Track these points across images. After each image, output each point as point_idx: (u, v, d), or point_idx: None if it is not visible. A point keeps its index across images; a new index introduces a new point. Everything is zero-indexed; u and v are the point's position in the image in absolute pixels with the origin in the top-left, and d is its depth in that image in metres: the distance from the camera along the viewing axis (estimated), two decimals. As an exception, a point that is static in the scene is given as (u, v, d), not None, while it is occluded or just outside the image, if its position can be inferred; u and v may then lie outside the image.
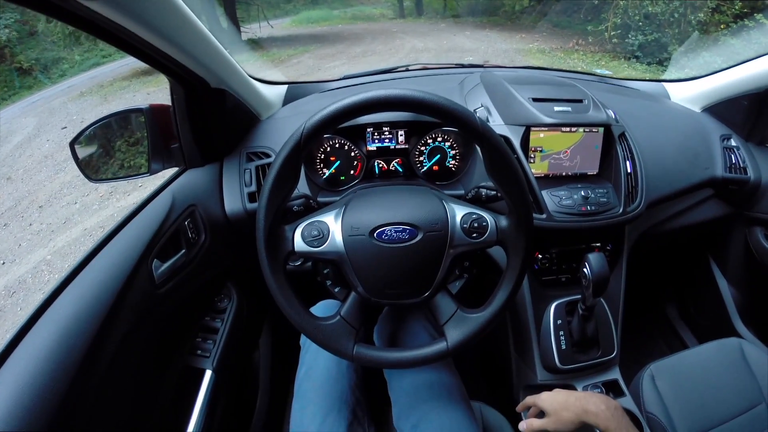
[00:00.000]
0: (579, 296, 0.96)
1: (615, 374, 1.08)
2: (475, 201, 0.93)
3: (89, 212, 4.11)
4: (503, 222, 0.74)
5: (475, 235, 0.72)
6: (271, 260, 0.68)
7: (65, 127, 6.52)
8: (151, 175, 0.94)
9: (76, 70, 10.06)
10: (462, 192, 1.04)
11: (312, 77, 6.56)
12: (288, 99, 1.24)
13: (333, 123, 0.64)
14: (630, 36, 6.94)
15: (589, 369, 1.05)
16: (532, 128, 1.01)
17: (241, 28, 9.80)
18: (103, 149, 0.95)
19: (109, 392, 0.71)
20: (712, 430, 0.98)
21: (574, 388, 1.03)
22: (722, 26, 6.35)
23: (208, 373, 1.00)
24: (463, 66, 1.42)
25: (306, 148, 0.65)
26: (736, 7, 6.35)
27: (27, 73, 9.72)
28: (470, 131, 0.65)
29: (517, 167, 0.68)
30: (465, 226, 0.72)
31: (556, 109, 1.03)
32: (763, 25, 5.65)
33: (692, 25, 6.52)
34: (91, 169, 0.93)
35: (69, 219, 4.08)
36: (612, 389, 1.05)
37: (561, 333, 1.04)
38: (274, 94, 1.22)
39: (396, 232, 0.69)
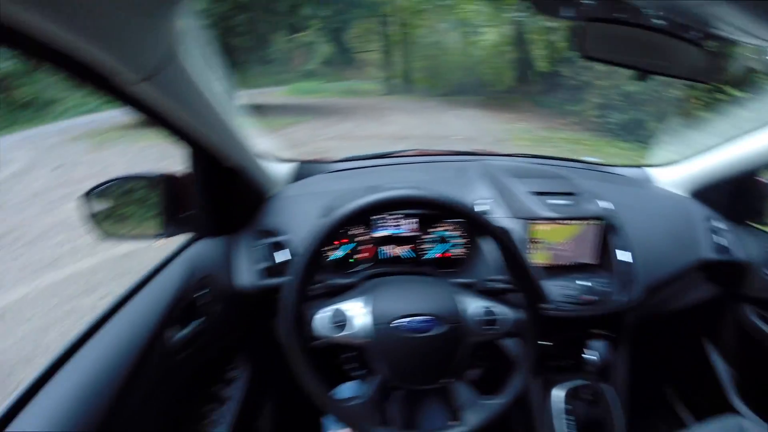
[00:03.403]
0: (583, 382, 0.99)
1: None
2: (487, 293, 0.98)
3: (78, 256, 3.99)
4: (516, 314, 0.81)
5: (489, 326, 0.79)
6: (296, 343, 0.72)
7: (58, 167, 6.51)
8: (163, 239, 0.98)
9: (74, 113, 10.23)
10: (468, 280, 1.06)
11: (304, 148, 6.64)
12: (295, 177, 1.28)
13: (357, 217, 0.72)
14: (609, 115, 7.18)
15: None
16: (534, 222, 1.07)
17: (236, 94, 10.08)
18: (116, 207, 0.98)
19: None
20: None
21: None
22: (696, 100, 6.60)
23: None
24: (459, 153, 1.48)
25: (333, 238, 0.73)
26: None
27: (25, 107, 10.01)
28: (488, 233, 0.75)
29: (529, 264, 0.78)
30: (481, 318, 0.79)
31: (555, 202, 1.10)
32: (736, 97, 5.88)
33: (667, 101, 6.78)
34: (102, 226, 0.94)
35: (57, 260, 3.96)
36: None
37: (565, 417, 1.06)
38: (282, 171, 1.26)
39: (418, 322, 0.75)
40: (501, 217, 1.09)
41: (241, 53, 10.64)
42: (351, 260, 1.11)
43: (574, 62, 8.12)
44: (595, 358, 0.93)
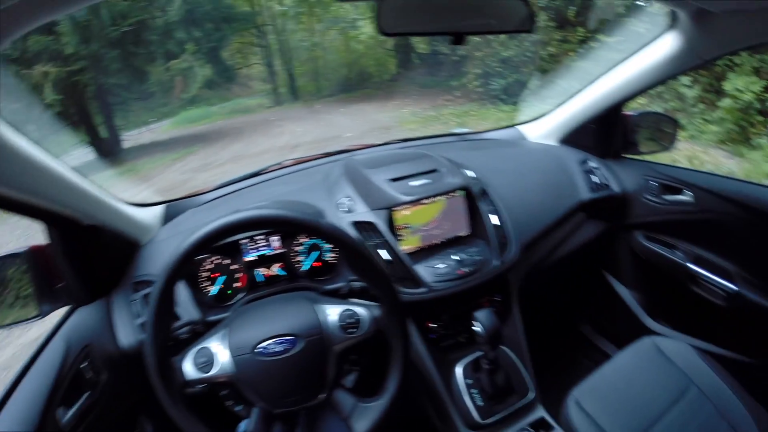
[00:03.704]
0: (480, 353, 1.00)
1: (540, 413, 1.07)
2: (352, 294, 0.99)
3: (-12, 355, 3.72)
4: (376, 311, 0.79)
5: (351, 330, 0.77)
6: (168, 394, 0.70)
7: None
8: (42, 318, 0.93)
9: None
10: (336, 285, 1.05)
11: (198, 180, 6.27)
12: (167, 218, 1.21)
13: (195, 254, 0.68)
14: (491, 82, 7.47)
15: (512, 416, 1.04)
16: (395, 209, 1.05)
17: (122, 137, 9.47)
18: (-8, 295, 0.93)
19: None
20: (653, 428, 0.99)
21: None
22: (571, 53, 6.96)
23: None
24: (330, 154, 1.45)
25: (176, 281, 0.69)
26: (579, 34, 7.01)
27: None
28: (323, 237, 0.74)
29: (374, 259, 0.75)
30: (341, 324, 0.77)
31: (414, 184, 1.09)
32: (606, 43, 6.22)
33: (545, 59, 7.11)
34: None
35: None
36: (541, 427, 1.04)
37: (473, 391, 1.04)
38: (152, 215, 1.19)
39: (278, 344, 0.73)
40: (362, 212, 1.06)
41: (119, 92, 10.19)
42: (229, 291, 1.06)
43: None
44: (479, 329, 0.91)
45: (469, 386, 1.04)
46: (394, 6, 0.70)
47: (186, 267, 0.68)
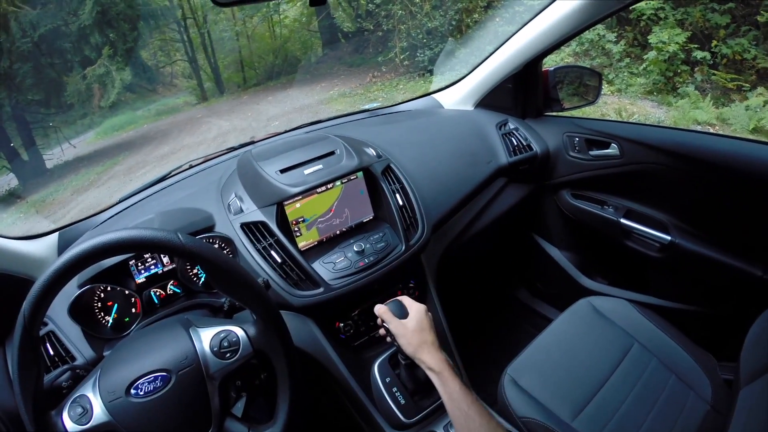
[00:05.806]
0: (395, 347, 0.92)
1: None
2: (233, 310, 0.93)
3: None
4: (252, 330, 0.72)
5: (228, 354, 0.70)
6: None
7: None
8: None
9: None
10: (221, 301, 0.97)
11: (127, 189, 5.97)
12: (62, 246, 1.12)
13: (48, 298, 0.60)
14: (419, 54, 7.46)
15: (441, 408, 0.97)
16: (285, 203, 0.96)
17: (45, 156, 8.83)
18: None
19: None
20: (597, 394, 0.93)
21: None
22: (497, 19, 6.98)
23: None
24: (234, 149, 1.35)
25: (36, 326, 0.62)
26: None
27: None
28: (178, 254, 0.63)
29: (238, 270, 0.67)
30: (215, 349, 0.70)
31: (307, 171, 0.99)
32: (532, 7, 6.26)
33: (471, 26, 7.10)
34: None
35: None
36: None
37: (394, 389, 0.97)
38: (44, 247, 1.09)
39: (149, 382, 0.66)
40: (251, 212, 0.97)
41: (37, 110, 9.50)
42: (126, 319, 0.98)
43: (375, 14, 8.21)
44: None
45: (388, 385, 0.97)
46: None
47: (41, 313, 0.60)
